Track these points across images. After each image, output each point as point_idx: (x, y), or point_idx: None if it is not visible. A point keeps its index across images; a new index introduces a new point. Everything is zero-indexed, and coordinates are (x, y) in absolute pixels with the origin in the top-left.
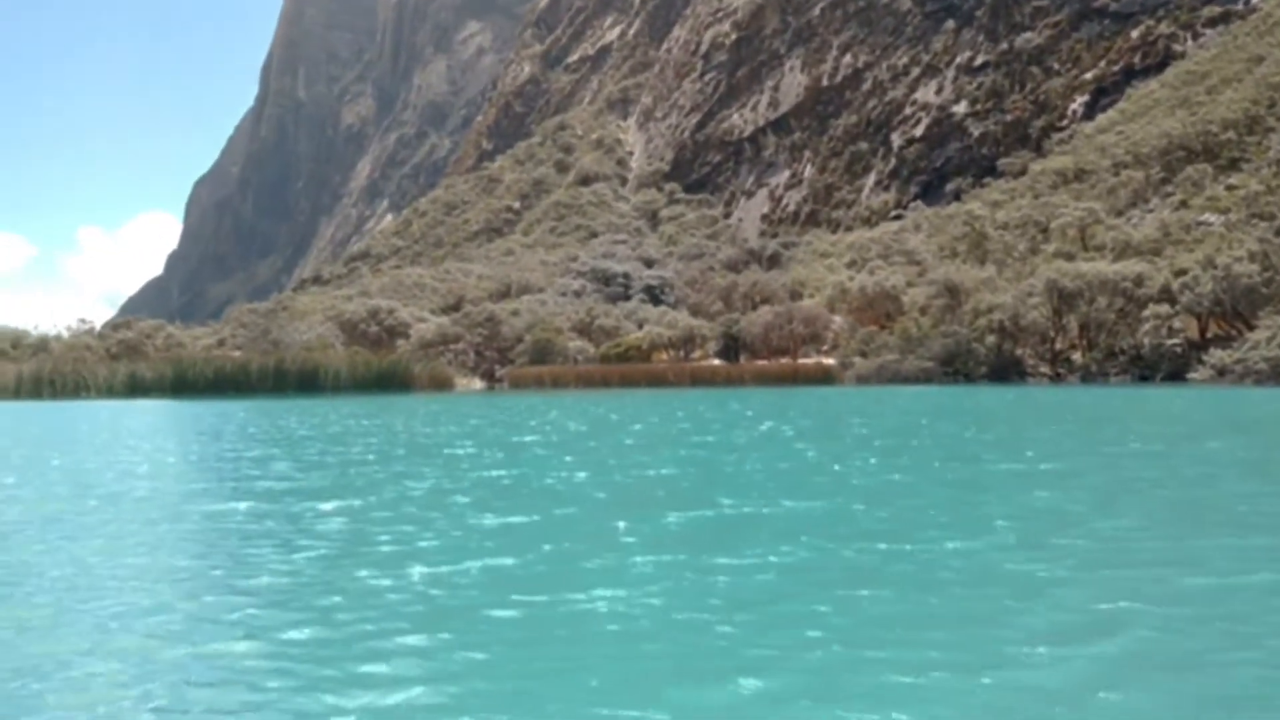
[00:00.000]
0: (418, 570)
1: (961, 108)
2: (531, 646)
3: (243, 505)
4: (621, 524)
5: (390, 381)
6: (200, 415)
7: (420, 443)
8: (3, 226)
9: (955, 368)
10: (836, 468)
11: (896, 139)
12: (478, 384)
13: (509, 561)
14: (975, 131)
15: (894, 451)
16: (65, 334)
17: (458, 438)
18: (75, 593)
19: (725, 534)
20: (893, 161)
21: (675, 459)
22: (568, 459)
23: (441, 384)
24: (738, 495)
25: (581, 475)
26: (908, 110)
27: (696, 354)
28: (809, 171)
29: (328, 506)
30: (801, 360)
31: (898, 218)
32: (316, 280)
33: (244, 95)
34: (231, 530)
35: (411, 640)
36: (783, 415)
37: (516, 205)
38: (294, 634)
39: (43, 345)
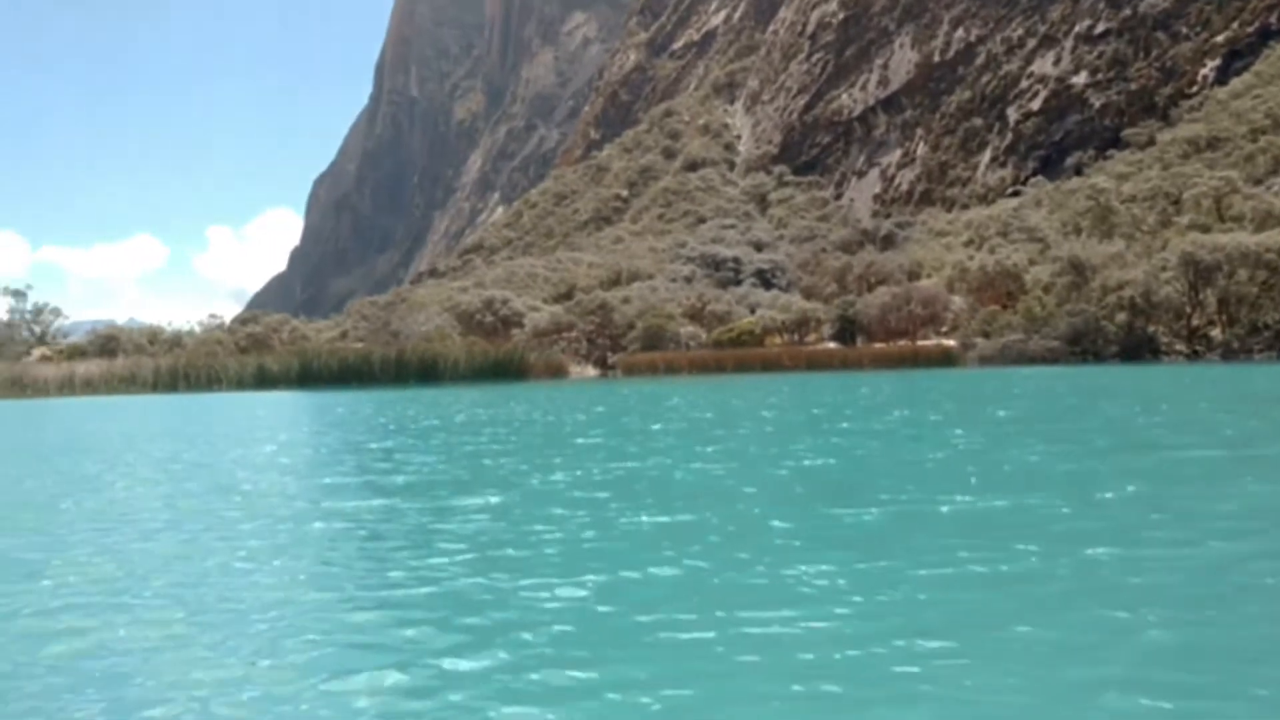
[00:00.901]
0: (574, 579)
1: (1081, 78)
2: (709, 679)
3: (379, 502)
4: (779, 523)
5: (506, 370)
6: (328, 406)
7: (548, 432)
8: (139, 229)
9: (1083, 347)
10: (997, 456)
11: (1013, 113)
12: (591, 371)
13: (670, 572)
14: (1097, 102)
15: (1056, 437)
16: (197, 329)
17: (585, 427)
18: (216, 601)
19: (898, 534)
20: (1009, 137)
21: (818, 448)
22: (706, 449)
23: (556, 372)
24: (899, 489)
25: (721, 468)
26: (1024, 83)
27: (811, 337)
28: (922, 150)
29: (468, 503)
30: (921, 342)
31: (1015, 194)
32: (432, 273)
33: (360, 94)
34: (370, 530)
35: (578, 670)
36: (917, 399)
37: (625, 193)
38: (453, 660)
39: (177, 340)
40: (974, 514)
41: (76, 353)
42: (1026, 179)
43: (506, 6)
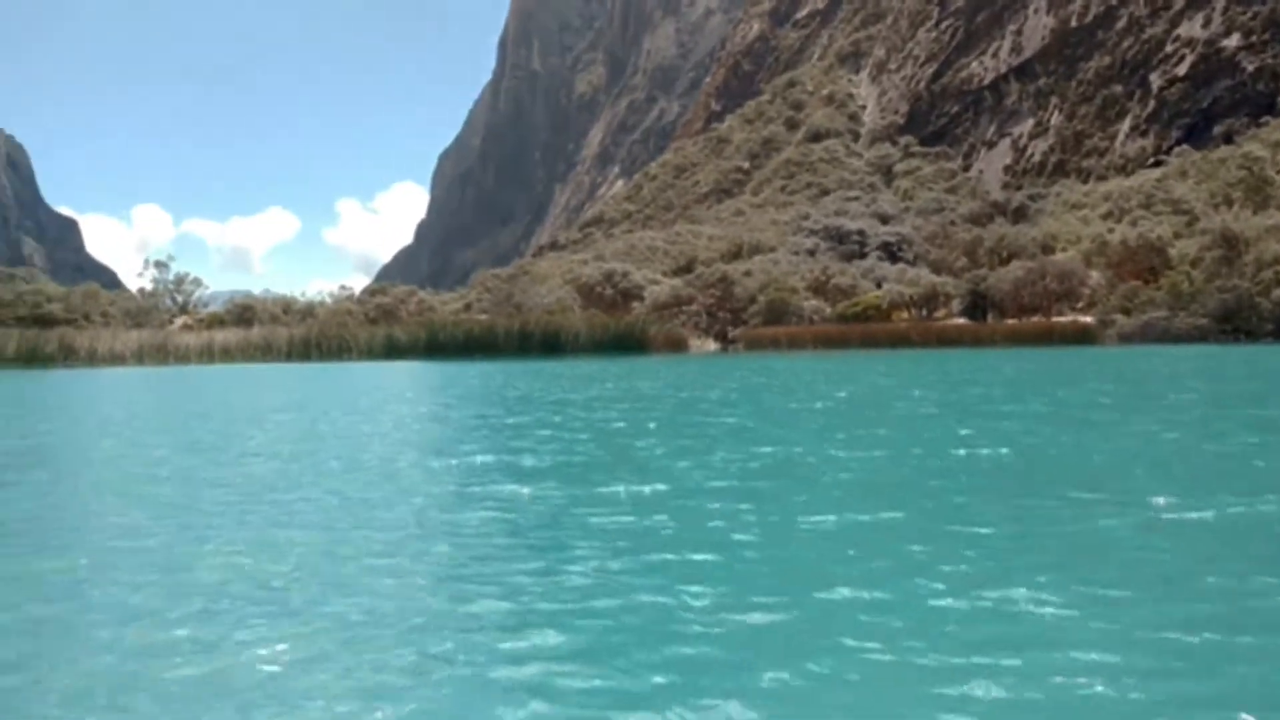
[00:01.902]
0: (774, 596)
1: (1233, 41)
2: None
3: (527, 489)
4: (987, 529)
5: (627, 343)
6: (457, 377)
7: (684, 410)
8: (273, 203)
9: (1234, 325)
10: (1210, 448)
11: (1156, 79)
12: (711, 345)
13: (881, 594)
14: (1249, 66)
15: (1270, 426)
16: (329, 300)
17: (720, 405)
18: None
19: (1151, 549)
20: (1151, 104)
21: (987, 433)
22: (860, 432)
23: (676, 345)
24: (1104, 487)
25: (885, 454)
26: (1169, 48)
27: (939, 313)
28: (1056, 119)
29: (619, 491)
30: (1055, 319)
31: (1158, 164)
32: (554, 246)
33: (484, 69)
34: (525, 522)
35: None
36: (1070, 379)
37: (746, 165)
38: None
39: (309, 311)
40: (1233, 523)
41: (215, 321)
42: (1170, 148)
43: None
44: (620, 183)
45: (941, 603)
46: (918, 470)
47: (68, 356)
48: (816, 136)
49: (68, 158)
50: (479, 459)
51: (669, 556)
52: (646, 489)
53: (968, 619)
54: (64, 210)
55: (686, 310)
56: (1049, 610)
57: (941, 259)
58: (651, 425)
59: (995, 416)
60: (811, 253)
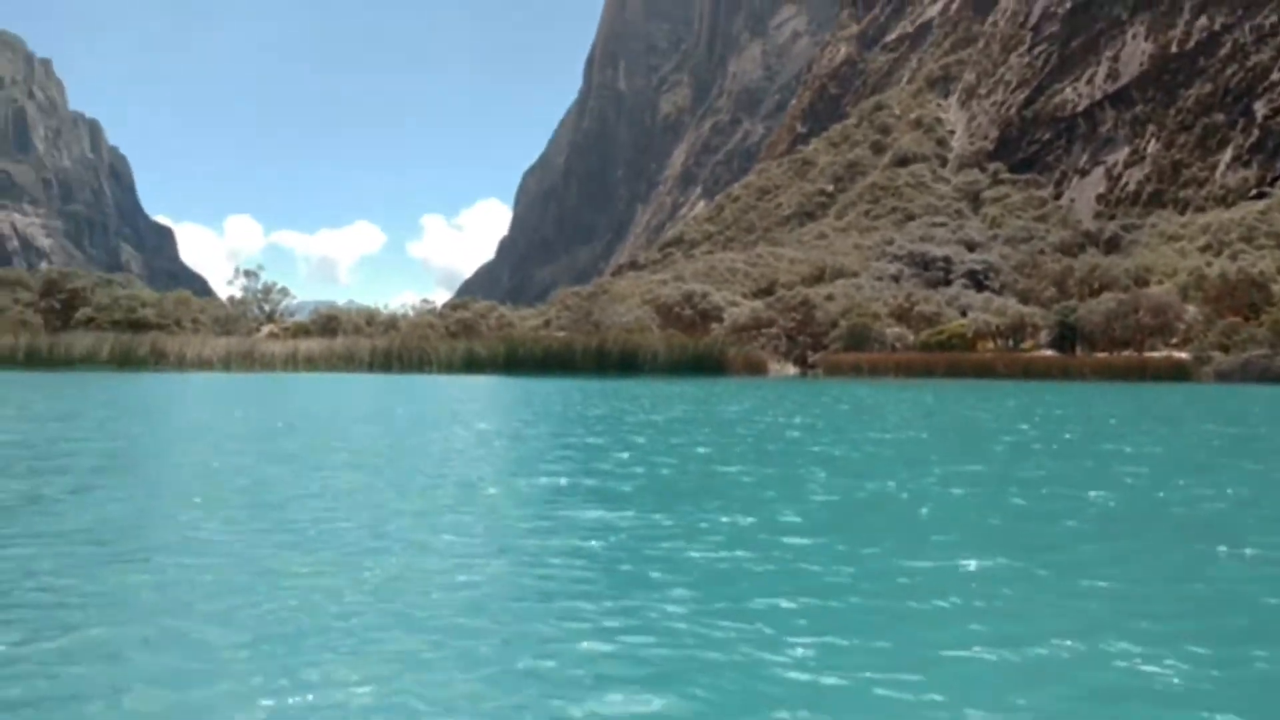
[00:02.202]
0: (854, 652)
1: None
2: None
3: (620, 515)
4: (1096, 579)
5: (705, 364)
6: (537, 393)
7: (771, 436)
8: (360, 216)
9: None
10: None
11: (1260, 108)
12: (791, 369)
13: (966, 650)
14: None
15: None
16: (411, 313)
17: (806, 433)
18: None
19: (1258, 602)
20: (1255, 134)
21: (1092, 474)
22: (950, 468)
23: (755, 368)
24: (1222, 535)
25: (978, 490)
26: (1275, 75)
27: (1026, 344)
28: (1153, 147)
29: (719, 522)
30: (1148, 354)
31: (1260, 196)
32: (633, 265)
33: (569, 89)
34: (621, 553)
35: None
36: (1171, 417)
37: (830, 188)
38: None
39: (392, 323)
40: None
41: (301, 331)
42: (1274, 180)
43: (716, 1)
44: (702, 203)
45: (1055, 656)
46: (1018, 511)
47: (158, 361)
48: (903, 161)
49: (166, 169)
50: (561, 480)
51: (760, 601)
52: (734, 520)
53: (1083, 674)
54: (161, 219)
55: (766, 333)
56: (1168, 666)
57: (1029, 289)
58: (737, 450)
59: (1096, 456)
60: (895, 278)
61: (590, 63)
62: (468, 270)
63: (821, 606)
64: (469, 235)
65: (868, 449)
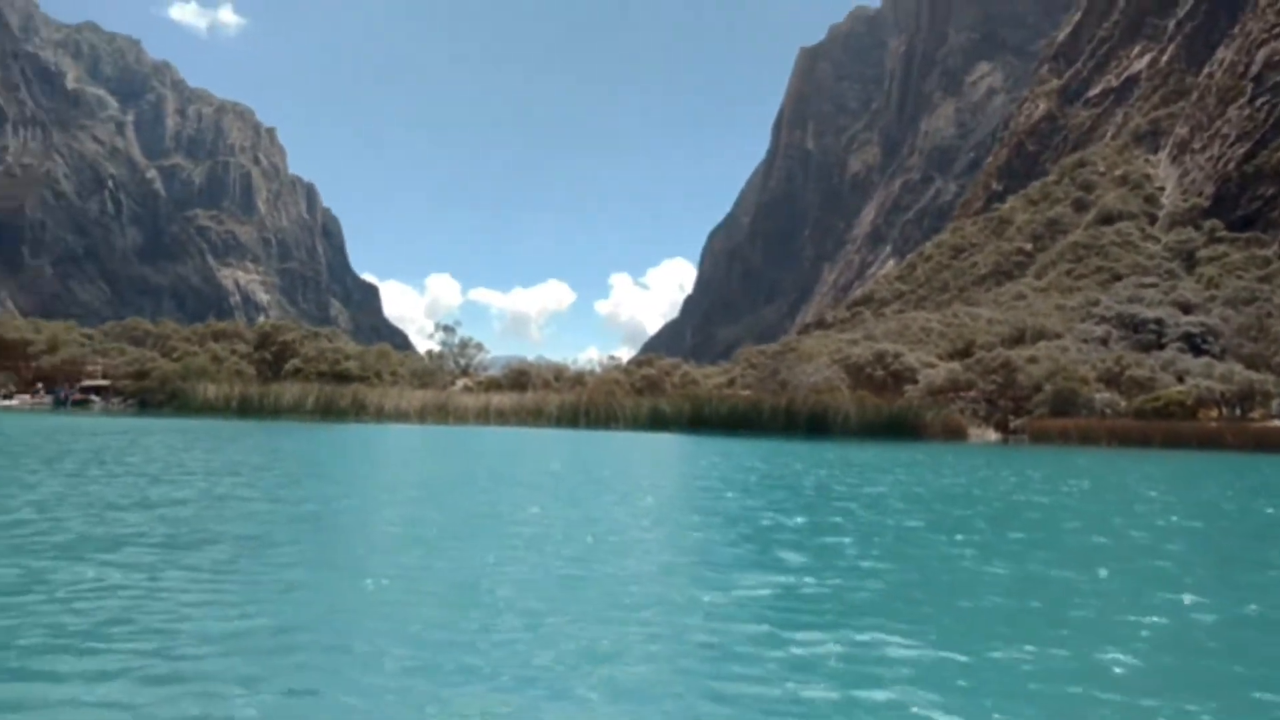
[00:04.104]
0: None
1: None
2: None
3: (806, 629)
4: None
5: (899, 428)
6: (731, 455)
7: (1006, 519)
8: (552, 275)
9: None
10: None
11: None
12: (991, 435)
13: None
14: None
15: None
16: (597, 369)
17: (1050, 513)
18: None
19: None
20: None
21: None
22: (1254, 576)
23: (954, 433)
24: None
25: None
26: None
27: (1255, 413)
28: None
29: (939, 652)
30: None
31: None
32: (819, 324)
33: (756, 149)
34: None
35: None
36: None
37: (1028, 247)
38: None
39: (579, 379)
40: None
41: (493, 385)
42: None
43: (908, 59)
44: (891, 262)
45: None
46: None
47: (359, 412)
48: (1108, 219)
49: (373, 230)
50: (755, 578)
51: None
52: (977, 644)
53: None
54: (367, 277)
55: (964, 396)
56: None
57: (1257, 353)
58: (959, 538)
59: None
60: (1103, 341)
61: (778, 123)
62: (652, 327)
63: None
64: (654, 293)
65: (1132, 536)
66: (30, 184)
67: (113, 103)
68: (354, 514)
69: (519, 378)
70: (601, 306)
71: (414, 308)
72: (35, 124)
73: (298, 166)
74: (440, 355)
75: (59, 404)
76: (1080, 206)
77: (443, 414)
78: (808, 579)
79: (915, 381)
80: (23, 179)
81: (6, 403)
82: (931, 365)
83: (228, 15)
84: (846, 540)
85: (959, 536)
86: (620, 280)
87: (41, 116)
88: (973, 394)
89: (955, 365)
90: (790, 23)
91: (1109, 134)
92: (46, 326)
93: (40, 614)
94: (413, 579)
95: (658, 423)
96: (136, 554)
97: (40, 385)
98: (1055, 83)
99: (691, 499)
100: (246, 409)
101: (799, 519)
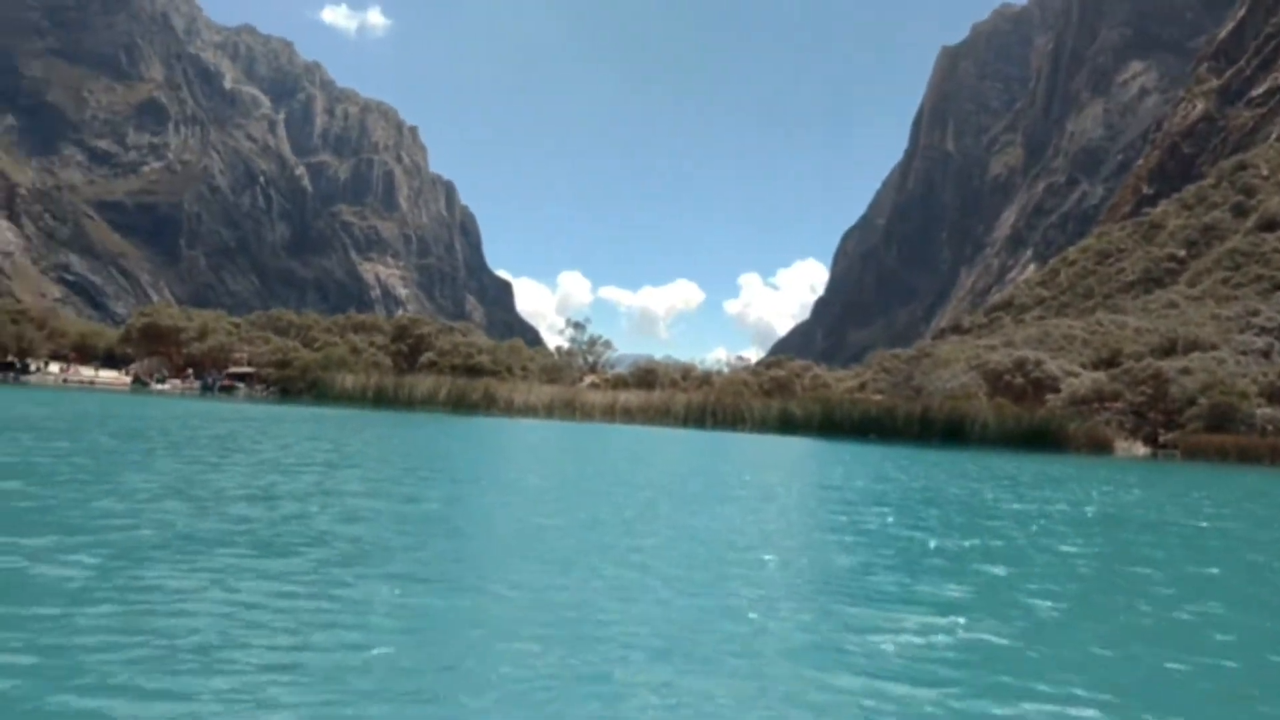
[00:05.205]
0: None
1: None
2: None
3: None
4: None
5: (1041, 438)
6: (863, 461)
7: (1187, 543)
8: (681, 275)
9: None
10: None
11: None
12: (1140, 449)
13: None
14: None
15: None
16: (725, 369)
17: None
18: None
19: None
20: None
21: None
22: None
23: (1099, 446)
24: None
25: None
26: None
27: None
28: None
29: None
30: None
31: None
32: (955, 329)
33: (893, 150)
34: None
35: None
36: None
37: (1181, 253)
38: None
39: (706, 379)
40: None
41: (620, 382)
42: None
43: (1055, 58)
44: (1032, 267)
45: None
46: None
47: (489, 406)
48: (1269, 225)
49: (508, 227)
50: (915, 619)
51: None
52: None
53: None
54: (501, 273)
55: (1110, 407)
56: None
57: None
58: (1150, 573)
59: None
60: (1264, 354)
61: (917, 123)
62: (781, 328)
63: None
64: (784, 294)
65: None
66: (189, 180)
67: (266, 102)
68: (476, 517)
69: (646, 376)
70: (730, 306)
71: (546, 304)
72: (195, 122)
73: (438, 165)
74: (570, 352)
75: (206, 389)
76: (1240, 211)
77: (570, 410)
78: (976, 622)
79: (1057, 390)
80: (182, 175)
81: (160, 387)
82: (1075, 374)
83: (376, 17)
84: (1009, 571)
85: (1150, 571)
86: (750, 280)
87: (201, 115)
88: (1119, 405)
89: (1100, 375)
90: (931, 21)
91: (1273, 135)
92: (197, 315)
93: (111, 623)
94: (531, 596)
95: (787, 425)
96: (231, 556)
97: (190, 371)
98: (1214, 82)
99: (831, 514)
100: (381, 399)
101: (960, 541)
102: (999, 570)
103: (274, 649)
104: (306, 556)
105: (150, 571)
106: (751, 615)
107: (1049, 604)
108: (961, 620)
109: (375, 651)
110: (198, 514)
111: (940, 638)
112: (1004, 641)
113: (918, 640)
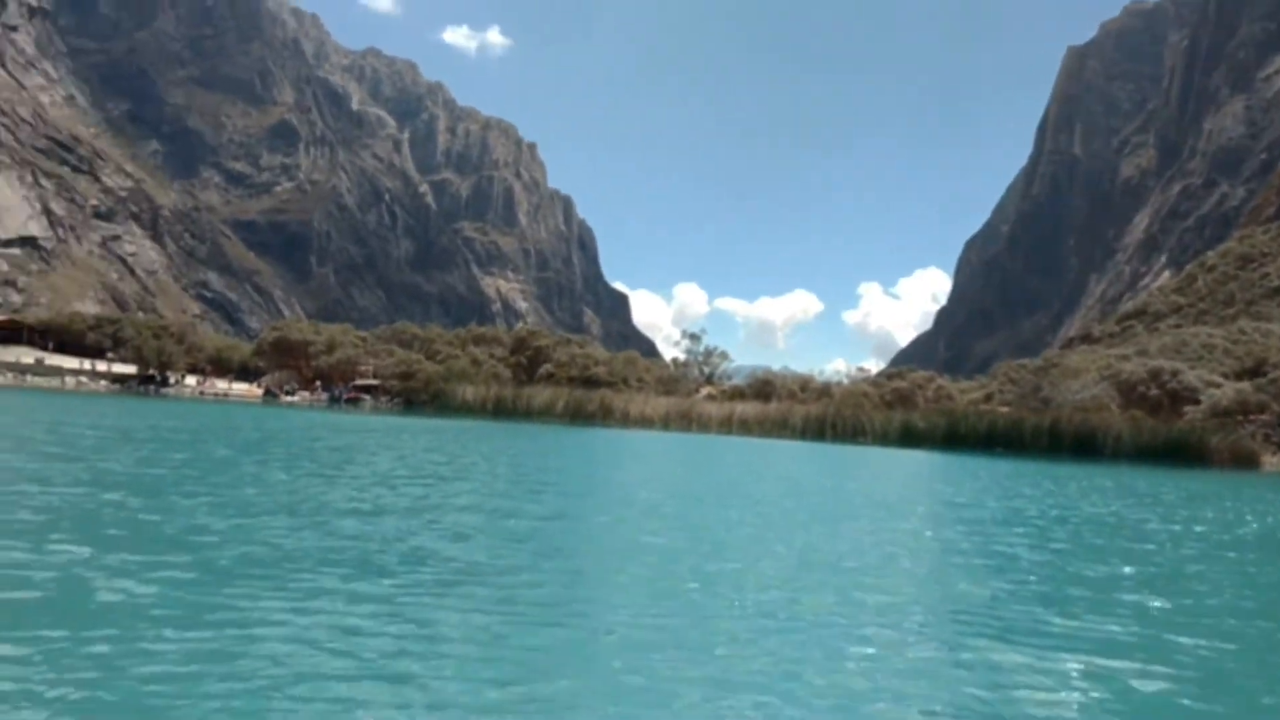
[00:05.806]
0: None
1: None
2: None
3: None
4: None
5: (1179, 452)
6: (994, 477)
7: None
8: (799, 285)
9: None
10: None
11: None
12: None
13: None
14: None
15: None
16: (845, 380)
17: None
18: None
19: None
20: None
21: None
22: None
23: (1244, 460)
24: None
25: None
26: None
27: None
28: None
29: None
30: None
31: None
32: (1085, 338)
33: (1017, 156)
34: None
35: None
36: None
37: None
38: None
39: (825, 390)
40: None
41: (736, 394)
42: None
43: (1190, 55)
44: (1167, 273)
45: None
46: None
47: (605, 417)
48: None
49: (624, 240)
50: (1065, 664)
51: None
52: None
53: None
54: (618, 286)
55: (1255, 419)
56: None
57: None
58: None
59: None
60: None
61: (1042, 127)
62: (902, 339)
63: None
64: (905, 304)
65: None
66: (318, 199)
67: (390, 122)
68: (586, 536)
69: (763, 387)
70: (850, 316)
71: (662, 316)
72: (324, 143)
73: (556, 180)
74: (685, 363)
75: (334, 401)
76: None
77: (686, 421)
78: (1144, 670)
79: (1196, 402)
80: (312, 194)
81: (290, 399)
82: (1216, 385)
83: (495, 36)
84: (1168, 605)
85: None
86: (870, 290)
87: (329, 136)
88: (1265, 417)
89: (1245, 385)
90: (1057, 21)
91: None
92: (326, 329)
93: (184, 647)
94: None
95: (909, 438)
96: (321, 577)
97: (319, 383)
98: None
99: (964, 536)
100: (501, 410)
101: (1112, 568)
102: (1157, 603)
103: (344, 678)
104: (400, 578)
105: (230, 590)
106: (883, 653)
107: (1223, 646)
108: (1121, 666)
109: (449, 689)
110: (295, 530)
111: (1101, 693)
112: (1185, 702)
113: (1078, 696)
